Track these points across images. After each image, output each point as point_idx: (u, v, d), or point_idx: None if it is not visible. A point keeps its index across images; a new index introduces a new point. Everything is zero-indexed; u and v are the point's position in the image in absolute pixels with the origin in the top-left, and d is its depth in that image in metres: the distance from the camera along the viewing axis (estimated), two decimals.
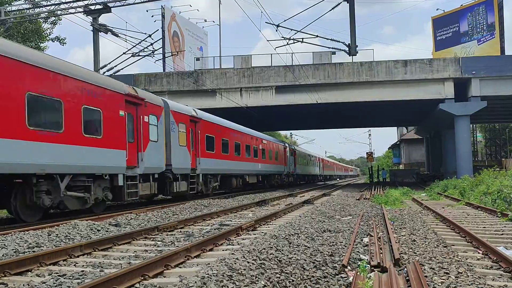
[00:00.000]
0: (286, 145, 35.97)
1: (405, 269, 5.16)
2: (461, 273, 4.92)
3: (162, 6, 34.64)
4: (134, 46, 19.92)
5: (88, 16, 20.23)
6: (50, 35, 27.79)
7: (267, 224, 9.69)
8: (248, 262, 5.07)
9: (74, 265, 5.67)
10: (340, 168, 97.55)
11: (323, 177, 59.76)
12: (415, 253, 6.24)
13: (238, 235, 7.92)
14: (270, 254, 5.65)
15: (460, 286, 4.47)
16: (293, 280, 4.77)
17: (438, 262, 5.45)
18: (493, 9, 32.06)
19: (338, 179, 75.69)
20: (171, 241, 7.36)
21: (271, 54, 28.45)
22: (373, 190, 26.38)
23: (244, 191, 23.51)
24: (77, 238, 7.37)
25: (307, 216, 10.58)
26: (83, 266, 5.59)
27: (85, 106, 10.72)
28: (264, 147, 27.98)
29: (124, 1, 20.53)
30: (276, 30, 20.30)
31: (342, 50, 20.78)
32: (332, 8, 20.13)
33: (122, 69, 19.82)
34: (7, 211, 10.80)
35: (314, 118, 36.39)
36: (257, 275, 4.67)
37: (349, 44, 20.31)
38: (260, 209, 14.01)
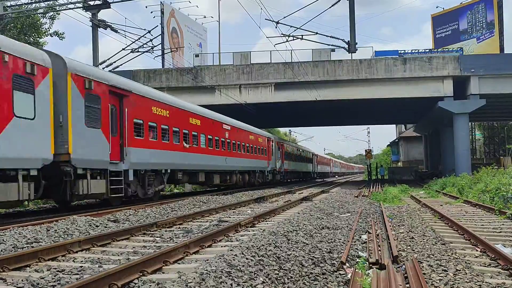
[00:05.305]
0: (272, 137, 31.35)
1: (403, 266, 5.18)
2: (459, 270, 4.94)
3: (161, 2, 34.57)
4: (133, 42, 19.89)
5: (87, 12, 20.17)
6: (49, 30, 27.66)
7: (266, 221, 9.69)
8: (246, 259, 5.08)
9: (73, 260, 5.67)
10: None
11: (317, 174, 55.66)
12: (413, 250, 6.25)
13: (237, 231, 7.93)
14: (269, 250, 5.65)
15: (458, 283, 4.48)
16: (291, 277, 4.78)
17: (436, 260, 5.47)
18: (492, 7, 32.06)
19: (336, 176, 75.60)
20: (170, 237, 7.36)
21: (271, 51, 28.35)
22: (371, 187, 26.42)
23: (209, 192, 19.27)
24: (76, 234, 7.36)
25: (306, 213, 10.59)
26: (81, 261, 5.59)
27: None
28: (239, 138, 23.39)
29: None
30: (276, 27, 20.37)
31: (342, 47, 20.78)
32: (332, 5, 20.12)
33: (121, 65, 19.83)
34: None
35: (313, 115, 36.40)
36: (255, 272, 4.67)
37: (348, 41, 20.29)
38: (258, 205, 14.03)
